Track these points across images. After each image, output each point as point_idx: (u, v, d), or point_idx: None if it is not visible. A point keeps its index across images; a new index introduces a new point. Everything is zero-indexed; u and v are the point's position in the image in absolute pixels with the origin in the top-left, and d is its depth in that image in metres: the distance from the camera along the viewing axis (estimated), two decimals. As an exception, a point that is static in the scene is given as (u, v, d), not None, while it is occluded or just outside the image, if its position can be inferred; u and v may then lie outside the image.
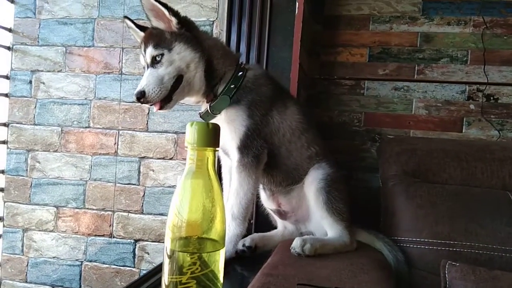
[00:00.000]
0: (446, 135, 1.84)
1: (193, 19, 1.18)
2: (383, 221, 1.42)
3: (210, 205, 0.58)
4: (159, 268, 1.23)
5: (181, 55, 1.10)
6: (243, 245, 1.19)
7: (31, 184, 1.96)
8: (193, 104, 1.26)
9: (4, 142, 1.99)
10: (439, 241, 1.24)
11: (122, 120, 1.88)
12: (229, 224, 1.12)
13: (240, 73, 1.17)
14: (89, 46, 1.91)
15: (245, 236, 1.20)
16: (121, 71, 1.88)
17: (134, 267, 1.86)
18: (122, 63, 1.88)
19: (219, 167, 1.36)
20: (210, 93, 1.17)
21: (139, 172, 1.88)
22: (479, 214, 1.27)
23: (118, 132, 1.89)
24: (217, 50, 1.18)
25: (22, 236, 1.97)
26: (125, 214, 1.88)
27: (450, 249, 1.22)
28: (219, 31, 1.70)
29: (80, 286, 1.91)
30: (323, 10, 1.95)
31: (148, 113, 1.86)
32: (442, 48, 1.84)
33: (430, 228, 1.27)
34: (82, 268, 1.91)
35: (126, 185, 1.88)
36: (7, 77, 1.99)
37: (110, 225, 1.89)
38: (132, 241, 1.87)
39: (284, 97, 1.24)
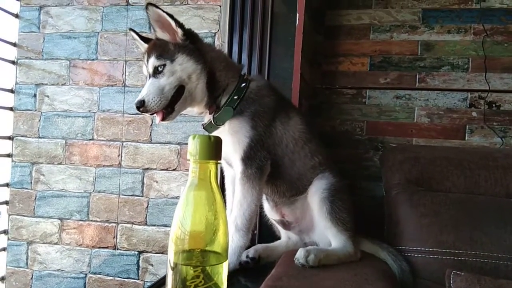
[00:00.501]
0: (449, 143, 1.83)
1: (195, 31, 1.19)
2: (387, 230, 1.42)
3: (213, 218, 0.59)
4: (163, 281, 1.23)
5: (183, 66, 1.11)
6: (247, 256, 1.19)
7: (36, 196, 1.97)
8: (196, 115, 1.27)
9: (8, 155, 2.01)
10: (443, 250, 1.24)
11: (125, 132, 1.89)
12: (232, 236, 1.12)
13: (243, 85, 1.18)
14: (93, 59, 1.93)
15: (248, 247, 1.20)
16: (125, 84, 1.90)
17: (138, 279, 1.85)
18: (125, 75, 1.90)
19: (222, 178, 1.36)
20: (213, 104, 1.18)
21: (142, 183, 1.88)
22: (484, 223, 1.27)
23: (122, 144, 1.90)
24: (219, 62, 1.19)
25: (26, 249, 1.97)
26: (129, 225, 1.88)
27: (455, 258, 1.22)
28: (220, 42, 1.72)
29: (85, 298, 1.91)
30: (324, 21, 1.97)
31: (152, 125, 1.87)
32: (443, 56, 1.85)
33: (435, 237, 1.26)
34: (87, 281, 1.90)
35: (129, 197, 1.89)
36: (12, 91, 2.01)
37: (114, 237, 1.89)
38: (136, 252, 1.86)
39: (286, 108, 1.25)
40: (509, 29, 1.79)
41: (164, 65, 1.10)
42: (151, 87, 1.10)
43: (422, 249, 1.26)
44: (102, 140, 1.92)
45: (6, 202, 2.00)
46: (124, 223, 1.88)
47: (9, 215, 2.00)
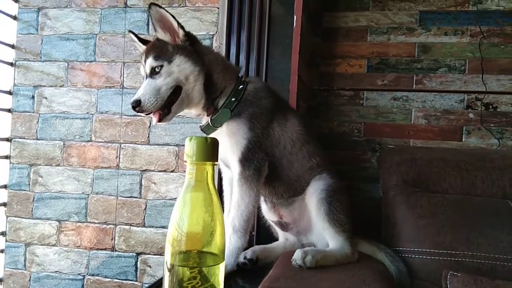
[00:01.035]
0: (446, 144, 1.84)
1: (193, 33, 1.20)
2: (384, 231, 1.42)
3: (209, 219, 0.59)
4: (160, 282, 1.23)
5: (181, 67, 1.12)
6: (245, 258, 1.20)
7: (34, 198, 1.97)
8: (194, 117, 1.27)
9: (6, 157, 2.00)
10: (440, 251, 1.24)
11: (123, 134, 1.90)
12: (230, 237, 1.12)
13: (241, 87, 1.19)
14: (91, 61, 1.94)
15: (246, 248, 1.20)
16: (123, 85, 1.90)
17: (136, 281, 1.85)
18: (123, 77, 1.90)
19: (220, 179, 1.37)
20: (210, 106, 1.18)
21: (140, 185, 1.88)
22: (480, 224, 1.27)
23: (120, 146, 1.90)
24: (217, 65, 1.20)
25: (24, 251, 1.97)
26: (127, 227, 1.88)
27: (452, 259, 1.22)
28: (218, 44, 1.72)
29: (83, 300, 1.90)
30: (321, 23, 1.98)
31: (150, 126, 1.88)
32: (440, 58, 1.86)
33: (432, 238, 1.27)
34: (85, 282, 1.90)
35: (128, 198, 1.89)
36: (10, 93, 2.01)
37: (112, 239, 1.89)
38: (134, 254, 1.86)
39: (284, 109, 1.26)
40: (505, 31, 1.80)
41: (162, 66, 1.11)
42: (147, 87, 1.10)
43: (419, 250, 1.27)
44: (100, 142, 1.92)
45: (4, 204, 2.00)
46: (122, 225, 1.88)
47: (7, 216, 2.00)
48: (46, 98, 1.98)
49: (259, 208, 1.34)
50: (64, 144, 1.95)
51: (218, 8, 1.80)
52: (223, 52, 1.62)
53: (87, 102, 1.94)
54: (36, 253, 1.96)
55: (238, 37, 1.64)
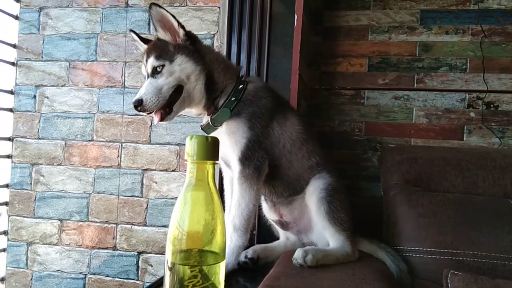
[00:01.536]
0: (447, 143, 1.84)
1: (194, 32, 1.20)
2: (385, 230, 1.42)
3: (210, 218, 0.59)
4: (160, 281, 1.23)
5: (182, 67, 1.12)
6: (245, 257, 1.20)
7: (35, 197, 1.98)
8: (194, 116, 1.27)
9: (8, 156, 2.01)
10: (441, 250, 1.24)
11: (125, 133, 1.90)
12: (230, 236, 1.12)
13: (241, 86, 1.19)
14: (92, 61, 1.94)
15: (247, 247, 1.20)
16: (124, 85, 1.90)
17: (138, 280, 1.86)
18: (124, 76, 1.90)
19: (221, 178, 1.37)
20: (211, 106, 1.19)
21: (142, 184, 1.89)
22: (482, 223, 1.27)
23: (121, 145, 1.90)
24: (218, 64, 1.20)
25: (26, 250, 1.98)
26: (129, 226, 1.88)
27: (453, 258, 1.22)
28: (219, 43, 1.73)
29: (84, 299, 1.91)
30: (322, 22, 1.98)
31: (151, 126, 1.88)
32: (441, 57, 1.86)
33: (433, 237, 1.27)
34: (86, 281, 1.91)
35: (129, 198, 1.89)
36: (11, 92, 2.01)
37: (113, 238, 1.89)
38: (136, 253, 1.87)
39: (284, 109, 1.26)
40: (506, 29, 1.80)
41: (163, 66, 1.11)
42: (149, 87, 1.10)
43: (420, 249, 1.27)
44: (102, 141, 1.92)
45: (6, 203, 2.01)
46: (124, 224, 1.89)
47: (9, 216, 2.00)
48: (47, 97, 1.98)
49: (260, 207, 1.34)
50: (65, 144, 1.96)
51: (219, 7, 1.81)
52: (224, 52, 1.63)
53: (89, 102, 1.94)
54: (38, 252, 1.97)
55: (239, 37, 1.64)
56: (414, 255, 1.27)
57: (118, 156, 1.90)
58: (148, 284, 1.82)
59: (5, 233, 2.00)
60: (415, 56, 1.88)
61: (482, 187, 1.39)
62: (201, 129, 1.21)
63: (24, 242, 1.98)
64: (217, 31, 1.81)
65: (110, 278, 1.88)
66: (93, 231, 1.91)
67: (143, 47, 1.21)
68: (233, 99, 1.17)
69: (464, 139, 1.83)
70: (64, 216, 1.94)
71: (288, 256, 1.12)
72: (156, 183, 1.87)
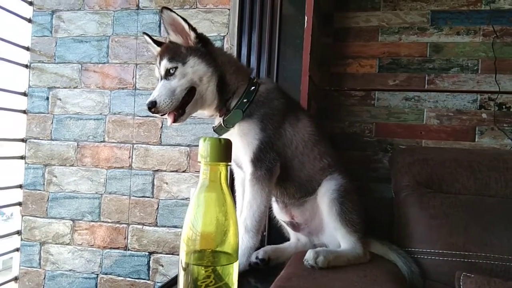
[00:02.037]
0: (459, 144, 1.83)
1: (204, 34, 1.21)
2: (396, 232, 1.42)
3: (223, 219, 0.60)
4: (173, 281, 1.24)
5: (195, 69, 1.13)
6: (257, 258, 1.20)
7: (48, 198, 2.00)
8: (206, 118, 1.28)
9: (22, 157, 2.04)
10: (453, 252, 1.24)
11: (136, 134, 1.92)
12: (242, 237, 1.13)
13: (253, 88, 1.19)
14: (104, 63, 1.96)
15: (258, 248, 1.21)
16: (135, 87, 1.92)
17: (149, 280, 1.87)
18: (136, 78, 1.92)
19: (232, 179, 1.38)
20: (223, 107, 1.19)
21: (153, 185, 1.90)
22: (494, 224, 1.26)
23: (133, 146, 1.92)
24: (230, 66, 1.21)
25: (39, 250, 2.00)
26: (140, 226, 1.90)
27: (465, 260, 1.22)
28: (229, 45, 1.74)
29: (96, 298, 1.93)
30: (332, 23, 1.98)
31: (162, 127, 1.90)
32: (452, 58, 1.84)
33: (444, 239, 1.26)
34: (98, 281, 1.93)
35: (140, 198, 1.91)
36: (25, 94, 2.05)
37: (125, 238, 1.91)
38: (147, 253, 1.88)
39: (295, 110, 1.26)
40: (519, 30, 1.78)
41: (176, 68, 1.12)
42: (162, 89, 1.12)
43: (432, 251, 1.26)
44: (113, 142, 1.94)
45: (20, 203, 2.04)
46: (135, 224, 1.90)
47: (22, 216, 2.03)
48: (60, 99, 2.01)
49: (270, 208, 1.34)
50: (78, 145, 1.98)
51: (229, 9, 1.82)
52: (234, 53, 1.63)
53: (100, 103, 1.96)
54: (51, 251, 1.99)
55: (249, 38, 1.64)
56: (425, 257, 1.26)
57: (130, 157, 1.92)
58: (160, 284, 1.83)
59: (18, 233, 2.03)
60: (426, 57, 1.87)
61: (495, 188, 1.37)
62: (213, 130, 1.22)
63: (37, 242, 2.01)
64: (227, 33, 1.82)
65: (122, 278, 1.90)
66: (105, 231, 1.93)
67: (156, 49, 1.22)
68: (245, 100, 1.17)
69: (476, 140, 1.81)
70: (76, 216, 1.97)
71: (299, 257, 1.12)
72: (166, 183, 1.89)
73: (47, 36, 2.04)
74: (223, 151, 0.60)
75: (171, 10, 1.13)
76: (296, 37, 1.60)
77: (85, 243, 1.95)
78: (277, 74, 1.61)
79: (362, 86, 1.94)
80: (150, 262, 1.88)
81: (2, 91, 1.96)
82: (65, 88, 2.01)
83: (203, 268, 0.58)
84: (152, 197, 1.89)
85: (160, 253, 1.87)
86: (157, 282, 1.86)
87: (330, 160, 1.24)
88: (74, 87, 2.00)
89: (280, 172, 1.18)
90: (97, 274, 1.93)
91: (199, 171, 0.61)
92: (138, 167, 1.92)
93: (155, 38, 1.26)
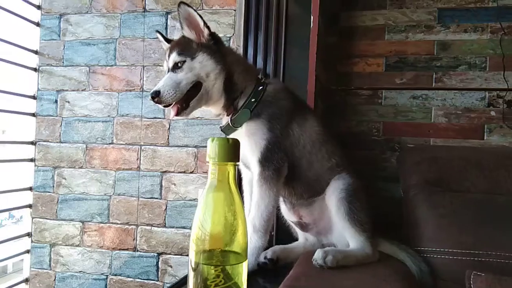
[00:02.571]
0: (467, 142, 1.81)
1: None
2: (405, 231, 1.41)
3: (232, 218, 0.60)
4: (182, 282, 1.25)
5: (203, 64, 1.14)
6: (265, 258, 1.20)
7: (58, 200, 2.02)
8: (214, 117, 1.28)
9: (31, 160, 2.06)
10: (463, 251, 1.23)
11: (144, 136, 1.93)
12: (250, 237, 1.13)
13: (260, 88, 1.20)
14: (112, 65, 1.98)
15: (266, 248, 1.21)
16: (142, 88, 1.93)
17: (158, 281, 1.88)
18: (143, 80, 1.94)
19: (240, 179, 1.38)
20: (230, 106, 1.20)
21: (161, 186, 1.91)
22: (504, 223, 1.25)
23: (140, 148, 1.93)
24: (238, 65, 1.21)
25: (49, 251, 2.02)
26: (148, 227, 1.91)
27: (475, 259, 1.21)
28: (236, 46, 1.74)
29: (106, 299, 1.95)
30: (338, 22, 1.97)
31: (169, 128, 1.90)
32: (460, 56, 1.83)
33: (454, 237, 1.26)
34: (108, 282, 1.94)
35: (148, 199, 1.92)
36: (34, 97, 2.07)
37: (133, 239, 1.92)
38: (156, 254, 1.89)
39: (303, 110, 1.26)
40: (527, 26, 1.76)
41: (184, 61, 1.14)
42: (167, 80, 1.13)
43: (442, 250, 1.25)
44: (121, 144, 1.96)
45: (30, 206, 2.06)
46: (144, 225, 1.91)
47: (33, 218, 2.05)
48: (68, 102, 2.03)
49: (278, 208, 1.34)
50: (86, 147, 2.00)
51: (235, 10, 1.82)
52: (240, 54, 1.63)
53: (108, 106, 1.98)
54: (61, 253, 2.01)
55: (256, 39, 1.65)
56: (435, 256, 1.25)
57: (138, 158, 1.94)
58: (169, 285, 1.84)
59: (29, 235, 2.05)
60: (433, 55, 1.86)
61: (504, 187, 1.36)
62: (221, 130, 1.23)
63: (47, 244, 2.03)
64: (233, 34, 1.83)
65: (131, 279, 1.91)
66: (114, 233, 1.95)
67: (167, 46, 1.24)
68: (252, 100, 1.17)
69: (485, 138, 1.80)
70: (85, 218, 1.99)
71: (307, 257, 1.12)
72: (174, 185, 1.90)
73: (55, 39, 2.06)
74: (231, 151, 0.60)
75: (188, 5, 1.14)
76: (302, 37, 1.60)
77: (94, 245, 1.97)
78: (283, 74, 1.61)
79: (369, 85, 1.93)
80: (159, 263, 1.89)
81: (12, 94, 1.99)
82: (73, 90, 2.03)
83: (212, 268, 0.58)
84: (160, 198, 1.90)
85: (169, 254, 1.88)
86: (166, 283, 1.87)
87: (338, 160, 1.24)
88: (82, 90, 2.02)
89: (288, 172, 1.18)
90: (107, 275, 1.95)
91: (206, 172, 0.61)
92: (146, 168, 1.93)
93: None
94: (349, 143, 1.92)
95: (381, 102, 1.91)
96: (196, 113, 1.81)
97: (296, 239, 1.39)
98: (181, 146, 1.89)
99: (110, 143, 1.97)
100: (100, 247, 1.96)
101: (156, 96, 1.11)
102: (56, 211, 2.02)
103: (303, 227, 1.31)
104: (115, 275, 1.94)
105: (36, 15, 2.07)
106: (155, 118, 1.91)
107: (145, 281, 1.89)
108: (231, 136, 1.18)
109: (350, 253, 1.14)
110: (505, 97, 1.78)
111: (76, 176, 2.01)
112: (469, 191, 1.38)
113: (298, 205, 1.27)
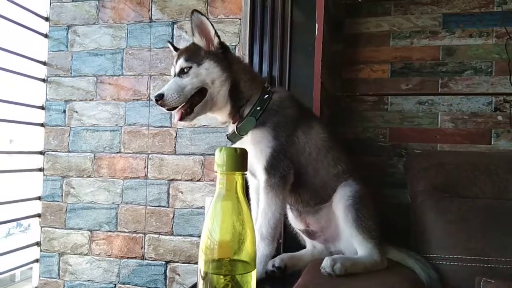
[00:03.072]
0: (475, 147, 1.80)
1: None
2: (413, 238, 1.40)
3: (240, 228, 0.60)
4: (191, 290, 1.25)
5: (209, 71, 1.16)
6: (273, 266, 1.20)
7: (66, 209, 2.04)
8: (220, 125, 1.29)
9: (40, 170, 2.08)
10: (472, 257, 1.22)
11: (151, 145, 1.94)
12: (258, 245, 1.13)
13: (266, 96, 1.21)
14: (119, 75, 2.00)
15: (274, 256, 1.21)
16: (149, 98, 1.95)
17: (166, 289, 1.88)
18: (150, 89, 1.95)
19: (246, 187, 1.38)
20: (236, 114, 1.21)
21: (168, 194, 1.92)
22: (514, 228, 1.24)
23: (148, 156, 1.95)
24: (245, 74, 1.23)
25: (58, 260, 2.03)
26: (156, 236, 1.92)
27: (485, 265, 1.20)
28: (241, 54, 1.75)
29: (114, 308, 1.95)
30: (343, 29, 1.98)
31: (176, 137, 1.92)
32: (465, 61, 1.83)
33: (463, 244, 1.25)
34: (116, 291, 1.95)
35: (156, 208, 1.93)
36: (42, 108, 2.09)
37: (141, 247, 1.93)
38: (163, 262, 1.90)
39: (308, 118, 1.27)
40: (533, 31, 1.76)
41: (190, 67, 1.16)
42: (173, 84, 1.15)
43: (450, 256, 1.24)
44: (129, 153, 1.97)
45: (39, 215, 2.07)
46: (151, 234, 1.92)
47: (42, 227, 2.07)
48: (76, 112, 2.05)
49: (285, 216, 1.34)
50: (94, 156, 2.02)
51: (240, 19, 1.84)
52: (247, 63, 1.65)
53: (116, 115, 2.00)
54: (69, 262, 2.02)
55: (261, 47, 1.66)
56: (444, 262, 1.25)
57: (145, 167, 1.95)
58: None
59: (37, 244, 2.07)
60: (438, 60, 1.86)
61: (513, 192, 1.35)
62: (227, 138, 1.24)
63: (56, 253, 2.04)
64: (239, 42, 1.84)
65: (139, 287, 1.91)
66: (122, 241, 1.95)
67: (175, 54, 1.26)
68: (258, 108, 1.18)
69: (492, 143, 1.79)
70: (94, 226, 2.00)
71: (315, 265, 1.12)
72: (182, 193, 1.90)
73: (63, 50, 2.08)
74: (239, 161, 0.61)
75: (201, 14, 1.17)
76: (308, 44, 1.61)
77: (102, 253, 1.98)
78: (289, 82, 1.62)
79: (374, 91, 1.93)
80: (167, 271, 1.89)
81: (21, 105, 2.01)
82: (81, 100, 2.05)
83: (222, 277, 0.58)
84: (168, 207, 1.91)
85: (177, 262, 1.88)
86: (174, 291, 1.87)
87: (344, 166, 1.24)
88: (90, 100, 2.04)
89: (294, 179, 1.19)
90: (115, 284, 1.95)
91: (213, 180, 0.62)
92: (153, 176, 1.94)
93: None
94: (356, 150, 1.91)
95: (387, 108, 1.91)
96: (203, 121, 1.84)
97: (304, 247, 1.39)
98: (187, 154, 1.90)
99: (117, 152, 1.99)
100: (109, 255, 1.97)
101: (159, 98, 1.13)
102: (65, 220, 2.04)
103: (311, 235, 1.31)
104: (123, 283, 1.94)
105: (44, 27, 2.10)
106: (162, 126, 1.92)
107: (153, 289, 1.90)
108: (237, 143, 1.19)
109: (358, 260, 1.14)
110: (512, 102, 1.78)
111: (84, 185, 2.02)
112: (477, 196, 1.37)
113: (305, 212, 1.27)
